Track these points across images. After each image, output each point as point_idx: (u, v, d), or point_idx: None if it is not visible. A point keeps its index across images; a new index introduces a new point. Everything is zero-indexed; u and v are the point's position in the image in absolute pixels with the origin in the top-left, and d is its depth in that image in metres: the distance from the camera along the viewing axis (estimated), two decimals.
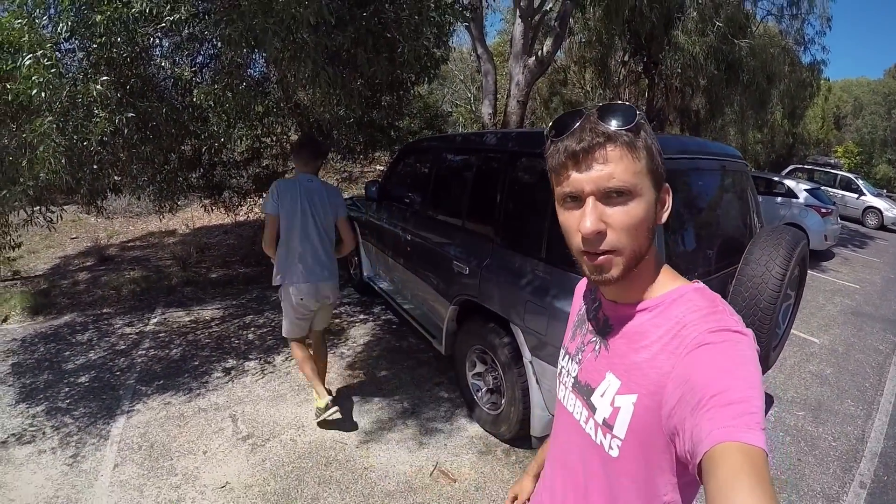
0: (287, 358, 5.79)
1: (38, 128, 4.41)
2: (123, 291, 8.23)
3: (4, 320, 7.37)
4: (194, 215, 12.53)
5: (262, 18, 3.71)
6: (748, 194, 4.47)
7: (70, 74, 4.45)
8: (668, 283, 1.18)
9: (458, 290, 4.51)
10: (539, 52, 12.57)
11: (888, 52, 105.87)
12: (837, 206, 14.39)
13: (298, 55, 3.99)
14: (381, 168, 16.21)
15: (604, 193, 1.05)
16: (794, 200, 12.81)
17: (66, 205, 5.57)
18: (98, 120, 4.45)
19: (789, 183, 13.31)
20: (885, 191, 27.39)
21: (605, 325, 1.25)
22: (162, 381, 5.35)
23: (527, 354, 3.74)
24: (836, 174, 21.74)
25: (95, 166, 4.81)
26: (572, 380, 1.31)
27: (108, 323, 7.05)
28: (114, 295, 8.12)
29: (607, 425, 1.14)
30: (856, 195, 20.70)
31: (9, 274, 9.29)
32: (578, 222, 1.07)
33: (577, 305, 1.46)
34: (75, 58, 4.74)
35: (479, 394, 4.53)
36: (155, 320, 7.06)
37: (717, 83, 15.70)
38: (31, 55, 4.27)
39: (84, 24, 4.42)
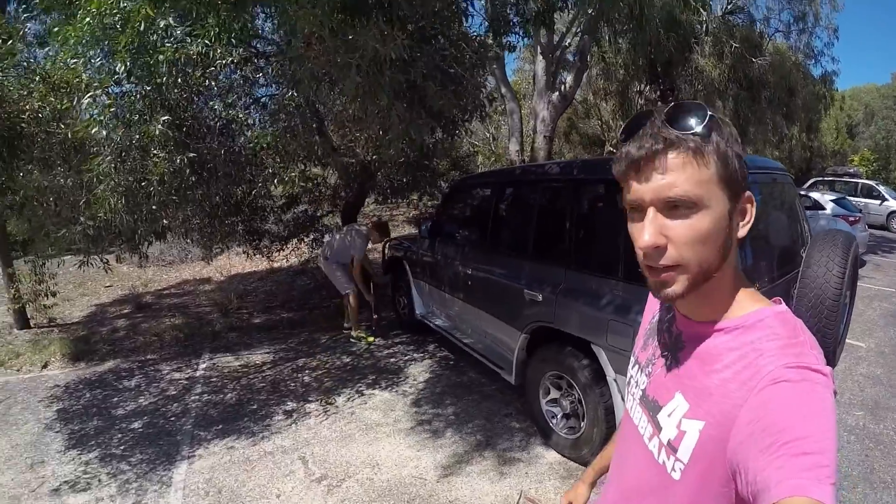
0: (349, 398, 5.65)
1: (97, 167, 4.37)
2: (166, 338, 8.13)
3: (45, 366, 7.31)
4: (229, 262, 12.49)
5: (344, 55, 3.66)
6: (796, 204, 4.61)
7: (126, 116, 4.42)
8: (747, 304, 1.08)
9: (531, 318, 4.52)
10: (562, 88, 12.71)
11: (893, 56, 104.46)
12: (863, 213, 14.37)
13: (373, 90, 3.93)
14: (409, 211, 16.21)
15: (664, 204, 0.97)
16: (821, 212, 12.82)
17: (103, 253, 5.50)
18: (157, 160, 4.41)
19: (815, 195, 13.35)
20: None
21: (678, 341, 1.17)
22: (221, 426, 5.20)
23: (610, 373, 3.74)
24: (857, 182, 21.58)
25: (154, 206, 4.74)
26: (640, 392, 1.25)
27: (154, 369, 6.94)
28: (156, 341, 8.02)
29: (672, 447, 1.07)
30: (878, 201, 20.41)
31: (45, 321, 9.24)
32: (639, 235, 1.00)
33: (649, 313, 1.39)
34: (131, 99, 4.72)
35: (555, 420, 4.49)
36: (204, 365, 6.94)
37: (742, 102, 15.74)
38: (89, 94, 4.25)
39: (143, 64, 4.40)
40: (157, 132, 4.18)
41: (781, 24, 18.05)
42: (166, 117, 4.35)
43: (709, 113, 0.98)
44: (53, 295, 8.18)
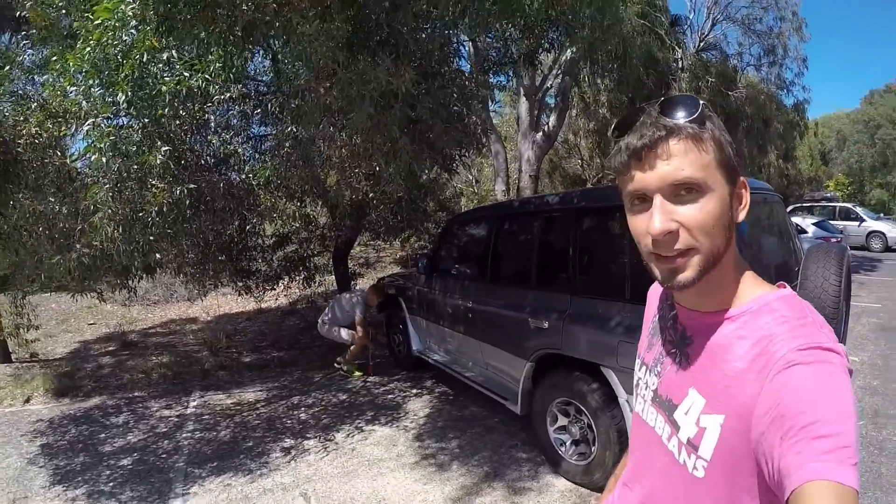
0: (349, 434, 5.53)
1: (94, 195, 4.32)
2: (154, 375, 7.97)
3: (27, 401, 7.17)
4: (217, 302, 12.35)
5: (359, 86, 3.67)
6: (787, 222, 4.87)
7: (123, 146, 4.39)
8: (751, 289, 1.09)
9: (537, 347, 4.53)
10: (545, 128, 13.06)
11: (860, 82, 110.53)
12: (844, 234, 15.03)
13: (383, 123, 3.94)
14: (396, 252, 16.18)
15: (672, 190, 0.99)
16: (803, 236, 13.19)
17: (96, 283, 5.41)
18: (157, 191, 4.37)
19: (796, 220, 13.89)
20: (882, 214, 27.60)
21: (684, 336, 1.16)
22: (216, 463, 5.06)
23: (622, 395, 3.75)
24: (835, 206, 22.37)
25: (151, 237, 4.68)
26: (651, 393, 1.24)
27: (143, 406, 6.79)
28: (143, 379, 7.85)
29: (692, 445, 1.07)
30: (857, 223, 21.21)
31: (26, 356, 9.09)
32: (647, 224, 1.01)
33: (651, 310, 1.37)
34: (130, 130, 4.69)
35: (564, 447, 4.46)
36: (195, 403, 6.79)
37: None
38: (90, 122, 4.23)
39: (144, 96, 4.39)
40: (158, 162, 4.15)
41: (752, 58, 18.90)
42: (167, 148, 4.31)
43: (700, 102, 1.01)
44: (35, 328, 8.03)
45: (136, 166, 4.32)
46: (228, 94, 5.09)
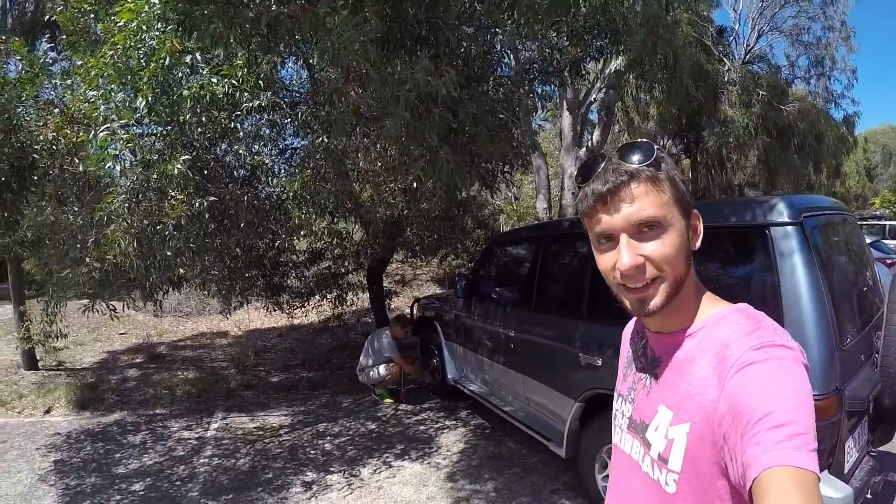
0: (376, 470, 5.12)
1: (108, 206, 4.02)
2: (178, 392, 7.75)
3: (48, 411, 7.05)
4: (248, 317, 12.07)
5: (393, 87, 3.26)
6: (865, 246, 4.41)
7: (144, 155, 4.09)
8: (709, 307, 1.17)
9: (587, 385, 4.15)
10: (588, 143, 12.73)
11: None
12: None
13: (420, 130, 3.52)
14: (433, 270, 15.79)
15: (635, 229, 1.07)
16: None
17: (110, 299, 5.14)
18: (175, 203, 4.04)
19: None
20: None
21: (653, 359, 1.23)
22: (231, 496, 4.72)
23: None
24: (885, 224, 21.23)
25: (169, 252, 4.34)
26: (627, 420, 1.29)
27: (162, 425, 6.55)
28: (167, 395, 7.64)
29: (662, 459, 1.11)
30: None
31: (53, 363, 8.98)
32: (615, 261, 1.09)
33: (624, 350, 1.43)
34: (151, 137, 4.39)
35: None
36: (216, 425, 6.49)
37: (771, 151, 15.72)
38: (106, 127, 3.93)
39: (166, 101, 4.07)
40: (177, 172, 3.81)
41: (801, 70, 18.35)
42: (187, 157, 3.98)
43: (654, 147, 1.10)
44: (64, 337, 7.87)
45: (154, 176, 4.01)
46: (258, 102, 4.76)
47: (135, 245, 4.04)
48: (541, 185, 13.83)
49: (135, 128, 4.10)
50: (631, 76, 10.07)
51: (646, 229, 1.06)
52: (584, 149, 12.78)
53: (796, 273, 2.95)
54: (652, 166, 1.08)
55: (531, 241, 5.54)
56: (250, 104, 4.68)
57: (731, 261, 3.48)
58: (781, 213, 3.12)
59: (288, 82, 6.20)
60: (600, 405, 4.08)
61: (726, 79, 14.99)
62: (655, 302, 1.08)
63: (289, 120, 5.17)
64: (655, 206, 1.06)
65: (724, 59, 15.06)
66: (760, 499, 0.84)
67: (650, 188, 1.07)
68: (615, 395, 1.40)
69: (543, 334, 4.79)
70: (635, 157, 1.08)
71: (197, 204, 4.06)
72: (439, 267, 15.21)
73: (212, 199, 4.20)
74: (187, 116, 4.08)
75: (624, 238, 1.07)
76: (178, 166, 3.85)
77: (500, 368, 5.50)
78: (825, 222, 3.43)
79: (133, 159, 3.83)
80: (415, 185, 4.39)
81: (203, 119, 4.17)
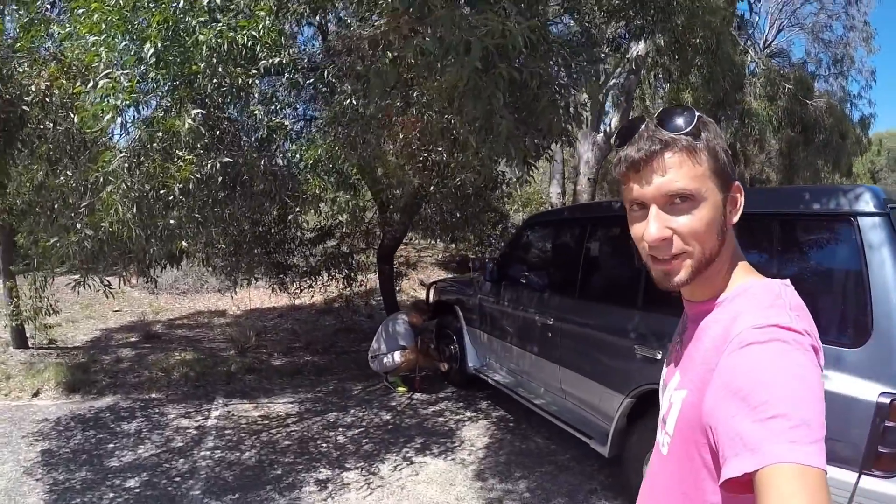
0: (396, 467, 4.70)
1: (106, 165, 3.53)
2: (174, 375, 7.32)
3: (36, 394, 6.67)
4: (248, 296, 11.58)
5: (465, 31, 2.75)
6: None
7: (147, 111, 3.63)
8: (739, 278, 1.13)
9: (641, 380, 3.86)
10: (607, 129, 12.31)
11: None
12: None
13: (478, 88, 3.02)
14: (438, 253, 15.35)
15: (666, 200, 1.04)
16: None
17: (104, 273, 4.67)
18: (183, 164, 3.55)
19: None
20: None
21: (684, 325, 1.25)
22: (237, 495, 4.30)
23: None
24: None
25: (172, 221, 3.85)
26: (662, 381, 1.30)
27: (159, 411, 6.12)
28: (163, 378, 7.21)
29: (664, 421, 1.16)
30: None
31: (44, 342, 8.52)
32: (644, 230, 1.06)
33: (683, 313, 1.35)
34: (157, 91, 3.90)
35: None
36: (217, 413, 6.05)
37: (795, 146, 15.53)
38: (106, 73, 3.45)
39: (176, 49, 3.58)
40: (187, 127, 3.33)
41: (819, 67, 18.10)
42: (199, 111, 3.49)
43: (696, 114, 1.06)
44: (56, 313, 7.42)
45: (160, 133, 3.52)
46: (278, 59, 4.28)
47: (134, 211, 3.56)
48: (555, 171, 13.48)
49: (139, 81, 3.60)
50: (659, 59, 9.64)
51: (678, 201, 1.03)
52: (601, 134, 12.40)
53: (886, 265, 2.77)
54: (691, 135, 1.04)
55: (575, 222, 5.24)
56: (269, 61, 4.21)
57: (811, 250, 3.31)
58: (868, 202, 2.91)
59: (302, 49, 5.74)
60: (653, 403, 3.66)
61: (752, 70, 14.59)
62: (681, 276, 1.07)
63: (311, 81, 4.68)
64: (688, 178, 1.03)
65: (749, 51, 14.64)
66: (759, 499, 0.80)
67: (685, 158, 1.03)
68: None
69: (589, 324, 4.49)
70: (674, 123, 1.05)
71: (209, 166, 3.57)
72: (445, 250, 14.77)
73: (226, 159, 3.70)
74: (201, 67, 3.59)
75: (654, 209, 1.05)
76: (189, 121, 3.36)
77: (533, 358, 5.19)
78: None
79: (136, 114, 3.36)
80: (453, 154, 3.94)
81: (219, 71, 3.67)
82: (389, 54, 3.21)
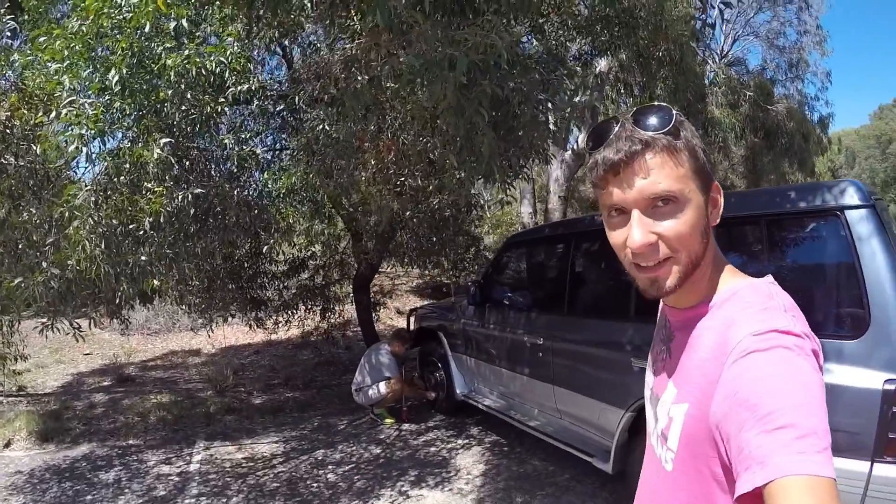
0: (393, 502, 4.53)
1: (71, 200, 3.36)
2: (151, 419, 7.03)
3: (7, 445, 6.32)
4: (222, 333, 11.31)
5: (447, 47, 2.66)
6: None
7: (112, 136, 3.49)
8: (726, 282, 1.10)
9: (640, 394, 3.67)
10: (575, 146, 12.40)
11: (862, 100, 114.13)
12: None
13: (460, 106, 2.92)
14: (412, 280, 15.21)
15: (648, 203, 0.99)
16: None
17: (73, 314, 4.46)
18: (153, 197, 3.39)
19: None
20: None
21: (669, 332, 1.20)
22: None
23: None
24: None
25: (143, 258, 3.68)
26: (650, 391, 1.27)
27: (137, 458, 5.82)
28: (140, 423, 6.91)
29: (664, 436, 1.11)
30: None
31: (13, 389, 8.17)
32: (626, 237, 1.01)
33: (660, 321, 1.32)
34: (124, 120, 3.75)
35: None
36: (199, 457, 5.80)
37: (759, 151, 15.79)
38: (70, 101, 3.30)
39: (142, 75, 3.45)
40: (156, 156, 3.18)
41: (780, 73, 18.76)
42: (167, 140, 3.35)
43: (673, 112, 1.02)
44: (24, 359, 7.12)
45: (127, 165, 3.37)
46: (247, 86, 4.16)
47: (102, 247, 3.38)
48: (525, 190, 13.44)
49: (104, 110, 3.45)
50: (621, 74, 9.73)
51: (660, 204, 0.99)
52: (569, 152, 12.46)
53: (877, 256, 2.83)
54: (670, 134, 1.00)
55: (558, 239, 5.23)
56: (240, 87, 4.09)
57: (802, 247, 3.35)
58: (853, 195, 2.99)
59: (269, 76, 5.64)
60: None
61: (711, 79, 14.89)
62: (669, 283, 1.02)
63: (280, 109, 4.56)
64: (672, 180, 0.98)
65: (708, 62, 14.94)
66: None
67: (666, 159, 0.99)
68: (647, 364, 1.37)
69: (582, 340, 4.45)
70: (652, 123, 1.00)
71: (180, 198, 3.42)
72: (420, 276, 14.63)
73: (198, 190, 3.55)
74: (168, 94, 3.46)
75: (636, 214, 0.99)
76: (158, 151, 3.22)
77: (524, 380, 5.09)
78: (884, 205, 3.35)
79: (102, 145, 3.22)
80: (430, 178, 3.84)
81: (187, 98, 3.54)
82: (365, 76, 3.10)
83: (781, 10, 17.92)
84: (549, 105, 3.90)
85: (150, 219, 3.33)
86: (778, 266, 3.23)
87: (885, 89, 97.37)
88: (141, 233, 3.42)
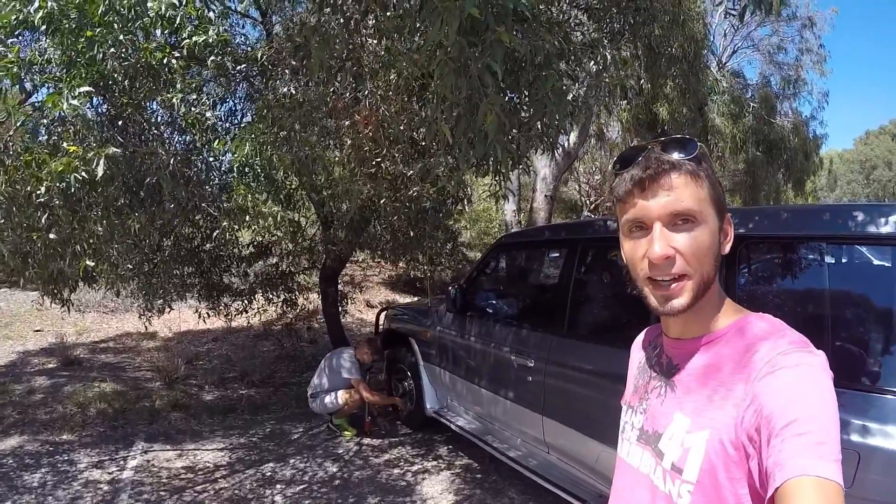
0: None
1: None
2: (91, 411, 6.38)
3: None
4: (180, 316, 10.61)
5: None
6: None
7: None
8: (732, 314, 1.14)
9: None
10: (565, 144, 11.84)
11: (851, 124, 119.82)
12: None
13: (469, 61, 2.25)
14: (383, 273, 14.59)
15: (670, 219, 1.04)
16: None
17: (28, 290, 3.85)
18: (65, 157, 2.71)
19: None
20: None
21: (670, 366, 1.21)
22: None
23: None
24: None
25: (53, 235, 3.00)
26: (637, 432, 1.25)
27: (67, 458, 5.22)
28: (78, 415, 6.28)
29: (677, 470, 1.08)
30: None
31: None
32: (645, 250, 1.06)
33: (635, 360, 1.39)
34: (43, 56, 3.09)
35: None
36: (135, 462, 5.17)
37: (759, 165, 15.70)
38: None
39: (71, 7, 2.79)
40: (68, 107, 2.49)
41: (774, 89, 18.53)
42: (88, 88, 2.67)
43: (698, 143, 1.08)
44: None
45: (45, 121, 2.70)
46: (204, 38, 3.49)
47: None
48: (510, 186, 12.93)
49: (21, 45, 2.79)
50: (624, 70, 9.22)
51: (680, 222, 1.04)
52: (559, 149, 11.95)
53: None
54: (694, 161, 1.06)
55: (561, 244, 4.52)
56: (193, 40, 3.42)
57: (863, 276, 2.79)
58: None
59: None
60: None
61: (711, 86, 14.56)
62: (682, 300, 1.05)
63: (242, 67, 3.88)
64: (693, 200, 1.04)
65: (709, 69, 14.60)
66: None
67: (690, 181, 1.05)
68: (623, 408, 1.34)
69: (583, 368, 3.74)
70: (677, 151, 1.06)
71: (101, 162, 2.71)
72: (393, 268, 14.02)
73: (112, 150, 2.82)
74: (96, 33, 2.78)
75: (658, 226, 1.04)
76: (73, 100, 2.53)
77: (508, 405, 4.42)
78: None
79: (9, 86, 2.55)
80: (411, 161, 3.22)
81: (123, 42, 2.86)
82: (339, 17, 2.43)
83: (784, 25, 17.70)
84: (573, 80, 3.28)
85: (58, 184, 2.64)
86: (835, 294, 2.63)
87: (871, 115, 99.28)
88: (47, 201, 2.73)
